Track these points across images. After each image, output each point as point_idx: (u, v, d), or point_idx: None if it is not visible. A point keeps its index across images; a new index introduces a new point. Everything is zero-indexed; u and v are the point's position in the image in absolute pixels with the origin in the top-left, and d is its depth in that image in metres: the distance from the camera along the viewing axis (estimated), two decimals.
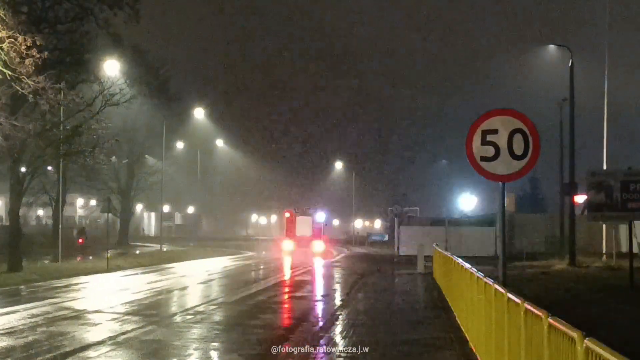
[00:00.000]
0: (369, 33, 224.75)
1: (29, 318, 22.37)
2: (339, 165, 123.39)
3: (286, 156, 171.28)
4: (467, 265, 18.09)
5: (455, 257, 23.32)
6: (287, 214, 73.14)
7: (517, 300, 10.21)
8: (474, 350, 15.78)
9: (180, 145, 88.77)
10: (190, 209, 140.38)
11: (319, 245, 69.56)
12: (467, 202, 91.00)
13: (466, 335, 17.79)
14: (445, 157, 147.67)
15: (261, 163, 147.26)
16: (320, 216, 71.95)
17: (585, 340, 6.52)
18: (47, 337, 18.68)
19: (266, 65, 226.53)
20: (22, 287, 33.55)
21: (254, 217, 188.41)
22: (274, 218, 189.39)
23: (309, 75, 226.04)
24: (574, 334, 6.86)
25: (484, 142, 14.98)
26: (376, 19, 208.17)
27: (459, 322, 20.27)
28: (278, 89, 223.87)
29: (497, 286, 12.30)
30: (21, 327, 20.49)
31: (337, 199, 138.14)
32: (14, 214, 42.29)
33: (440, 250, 35.76)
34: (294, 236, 70.76)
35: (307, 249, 68.27)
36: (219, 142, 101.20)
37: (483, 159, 14.99)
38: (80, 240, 71.78)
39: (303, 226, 70.76)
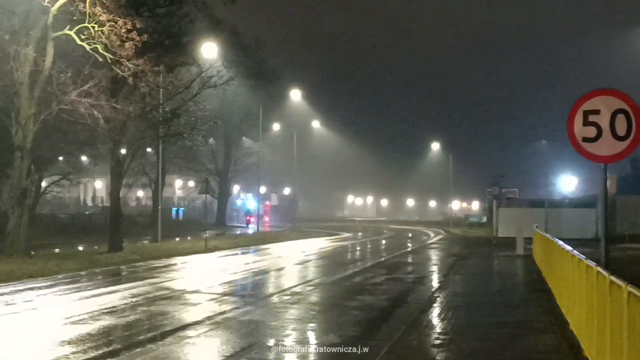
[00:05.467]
0: (472, 16, 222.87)
1: (129, 297, 22.70)
2: (435, 146, 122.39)
3: (383, 137, 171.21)
4: (568, 247, 17.75)
5: (555, 239, 22.93)
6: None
7: (619, 282, 9.94)
8: (575, 333, 15.49)
9: (276, 126, 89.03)
10: (287, 190, 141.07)
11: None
12: (568, 183, 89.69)
13: (567, 318, 17.47)
14: (545, 137, 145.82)
15: (358, 144, 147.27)
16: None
17: None
18: (147, 317, 18.93)
19: (365, 48, 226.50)
20: (123, 267, 34.09)
21: (349, 198, 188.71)
22: (369, 199, 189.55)
23: (408, 57, 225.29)
24: None
25: (586, 123, 14.61)
26: None
27: (559, 304, 19.93)
28: (377, 71, 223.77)
29: (599, 268, 12.02)
30: (122, 306, 20.80)
31: (433, 180, 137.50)
32: (114, 195, 42.96)
33: (540, 232, 35.26)
34: None
35: None
36: (315, 124, 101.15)
37: (585, 139, 14.62)
38: (248, 219, 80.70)
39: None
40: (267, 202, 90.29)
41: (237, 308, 20.54)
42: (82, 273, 30.87)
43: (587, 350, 13.56)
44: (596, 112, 14.54)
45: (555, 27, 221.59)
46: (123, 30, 32.95)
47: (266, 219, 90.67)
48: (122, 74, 34.55)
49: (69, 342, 15.46)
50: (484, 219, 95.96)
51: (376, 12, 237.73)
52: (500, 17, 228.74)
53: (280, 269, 34.60)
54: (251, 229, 75.61)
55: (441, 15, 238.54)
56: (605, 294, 11.05)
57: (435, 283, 28.26)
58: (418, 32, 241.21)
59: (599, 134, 14.46)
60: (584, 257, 14.31)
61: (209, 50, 46.36)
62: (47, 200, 71.90)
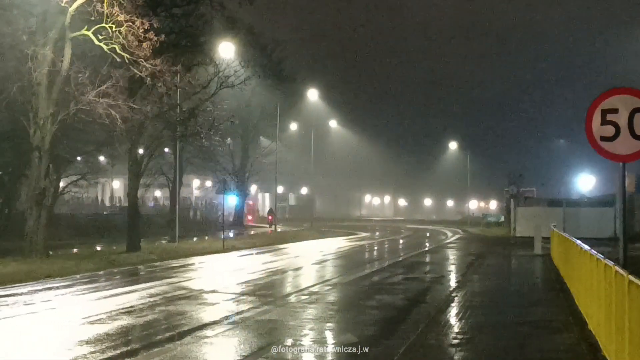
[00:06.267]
0: (490, 14, 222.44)
1: (147, 297, 22.76)
2: (453, 145, 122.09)
3: (401, 136, 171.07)
4: (586, 247, 17.69)
5: (573, 238, 22.85)
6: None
7: (638, 282, 9.91)
8: (594, 333, 15.43)
9: (294, 126, 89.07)
10: (304, 190, 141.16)
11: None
12: (586, 182, 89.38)
13: (585, 317, 17.42)
14: (563, 136, 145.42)
15: (375, 143, 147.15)
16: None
17: None
18: (165, 317, 18.97)
19: (383, 47, 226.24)
20: (141, 267, 34.18)
21: (367, 198, 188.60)
22: (387, 199, 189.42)
23: (426, 56, 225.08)
24: None
25: (604, 122, 14.57)
26: None
27: (577, 304, 19.87)
28: (395, 70, 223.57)
29: (617, 268, 11.97)
30: (140, 306, 20.85)
31: (451, 179, 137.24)
32: (132, 195, 43.04)
33: (558, 231, 35.15)
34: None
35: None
36: (333, 123, 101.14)
37: (603, 138, 14.58)
38: (270, 218, 77.85)
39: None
40: (250, 201, 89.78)
41: (254, 308, 20.56)
42: (100, 273, 30.99)
43: (605, 349, 13.51)
44: (614, 111, 14.50)
45: (574, 25, 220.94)
46: (140, 31, 33.01)
47: (249, 217, 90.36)
48: (140, 74, 34.63)
49: (87, 342, 15.51)
50: (502, 219, 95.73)
51: (394, 11, 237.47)
52: (519, 15, 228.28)
53: (297, 269, 34.59)
54: (270, 228, 75.52)
55: (459, 14, 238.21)
56: (623, 293, 11.01)
57: (453, 282, 28.21)
58: (436, 31, 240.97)
59: (617, 132, 14.42)
60: (602, 256, 14.26)
61: (226, 50, 46.43)
62: (65, 200, 72.21)
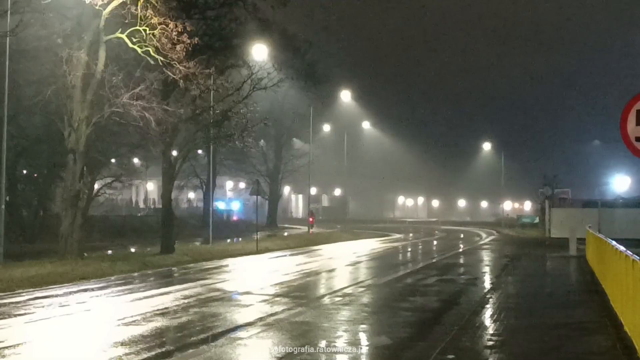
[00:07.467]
0: (524, 14, 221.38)
1: (181, 299, 22.82)
2: (487, 146, 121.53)
3: (434, 137, 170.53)
4: (622, 248, 17.56)
5: (608, 240, 22.69)
6: None
7: None
8: (630, 335, 15.30)
9: (327, 127, 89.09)
10: (337, 191, 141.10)
11: None
12: (621, 183, 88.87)
13: (621, 319, 17.28)
14: (598, 137, 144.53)
15: (408, 145, 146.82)
16: None
17: None
18: (199, 318, 19.01)
19: (414, 47, 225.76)
20: (175, 268, 34.28)
21: (400, 199, 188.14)
22: (420, 200, 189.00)
23: (461, 57, 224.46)
24: None
25: (639, 122, 14.44)
26: None
27: (613, 306, 19.72)
28: (429, 70, 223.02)
29: None
30: (175, 307, 20.90)
31: (485, 180, 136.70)
32: (166, 197, 43.16)
33: (593, 232, 34.93)
34: None
35: None
36: (366, 125, 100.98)
37: (638, 139, 14.44)
38: (311, 220, 76.29)
39: None
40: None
41: (288, 309, 20.54)
42: (135, 274, 31.11)
43: None
44: None
45: (608, 24, 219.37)
46: (174, 33, 33.15)
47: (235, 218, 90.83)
48: (173, 76, 34.76)
49: (122, 344, 15.57)
50: (537, 220, 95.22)
51: (429, 11, 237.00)
52: (552, 13, 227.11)
53: (331, 270, 34.58)
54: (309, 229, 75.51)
55: (495, 14, 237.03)
56: None
57: (487, 284, 28.09)
58: (471, 31, 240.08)
59: None
60: (638, 257, 14.16)
61: (259, 52, 46.48)
62: (99, 202, 72.54)
